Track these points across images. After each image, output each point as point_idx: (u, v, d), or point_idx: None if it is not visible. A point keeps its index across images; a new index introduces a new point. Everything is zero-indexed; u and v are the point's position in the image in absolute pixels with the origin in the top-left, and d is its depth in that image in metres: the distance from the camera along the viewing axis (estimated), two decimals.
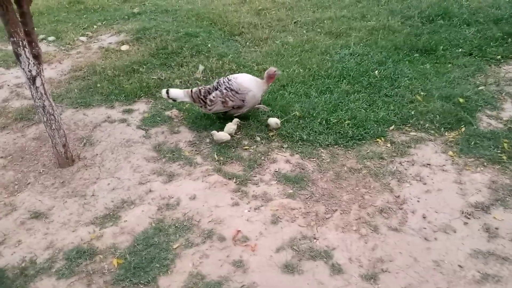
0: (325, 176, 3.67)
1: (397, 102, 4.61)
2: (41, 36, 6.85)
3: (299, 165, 3.80)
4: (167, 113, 4.61)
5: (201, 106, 4.29)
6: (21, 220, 3.32)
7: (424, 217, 3.21)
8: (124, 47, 6.21)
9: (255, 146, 4.08)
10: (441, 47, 5.66)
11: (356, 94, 4.80)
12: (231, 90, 4.14)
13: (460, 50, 5.60)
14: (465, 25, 6.21)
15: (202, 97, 4.21)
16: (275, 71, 4.24)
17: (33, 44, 3.47)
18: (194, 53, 5.90)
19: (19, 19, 3.37)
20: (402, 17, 6.66)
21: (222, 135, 4.06)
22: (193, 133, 4.31)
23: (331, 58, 5.63)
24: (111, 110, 4.73)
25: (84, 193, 3.57)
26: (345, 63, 5.44)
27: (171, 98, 4.23)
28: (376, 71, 5.20)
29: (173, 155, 3.98)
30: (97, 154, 4.04)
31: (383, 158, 3.85)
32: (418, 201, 3.37)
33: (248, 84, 4.17)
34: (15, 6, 3.33)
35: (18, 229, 3.25)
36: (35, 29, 7.24)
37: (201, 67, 5.47)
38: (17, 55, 3.39)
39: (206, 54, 5.88)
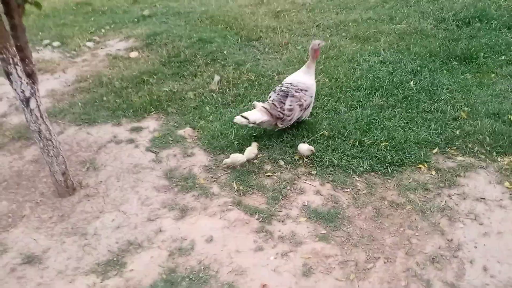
0: (362, 213, 3.15)
1: (439, 119, 4.06)
2: (45, 42, 6.45)
3: (332, 198, 3.30)
4: (180, 132, 4.13)
5: (275, 123, 3.82)
6: (11, 266, 2.87)
7: (485, 270, 2.68)
8: (133, 54, 5.75)
9: (279, 173, 3.58)
10: (482, 54, 5.09)
11: (391, 109, 4.27)
12: (301, 90, 3.86)
13: (503, 57, 5.03)
14: (505, 29, 5.64)
15: (279, 110, 3.76)
16: (319, 43, 3.93)
17: (27, 61, 3.01)
18: (208, 61, 5.42)
19: (10, 32, 2.91)
20: (435, 19, 6.09)
21: (238, 156, 3.58)
22: (208, 156, 3.83)
23: (359, 66, 5.10)
24: (118, 128, 4.26)
25: (85, 231, 3.11)
26: (376, 72, 4.90)
27: (252, 123, 3.71)
28: (412, 82, 4.66)
29: (186, 183, 3.50)
30: (101, 182, 3.58)
31: (429, 190, 3.32)
32: (476, 247, 2.84)
33: (307, 79, 3.97)
34: (4, 17, 2.87)
35: (8, 277, 2.80)
36: (40, 33, 6.86)
37: (216, 78, 4.98)
38: (7, 74, 2.94)
39: (222, 62, 5.39)
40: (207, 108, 4.51)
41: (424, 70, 4.86)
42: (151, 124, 4.30)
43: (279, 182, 3.49)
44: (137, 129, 4.21)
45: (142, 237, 3.01)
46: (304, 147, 3.63)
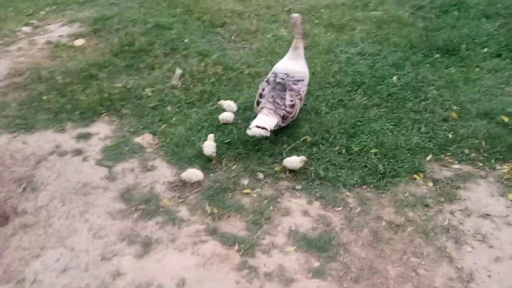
0: (359, 237, 2.72)
1: (428, 120, 3.69)
2: None
3: (322, 219, 2.84)
4: (137, 139, 3.50)
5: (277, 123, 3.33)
6: None
7: None
8: (78, 42, 4.97)
9: (258, 189, 3.08)
10: (464, 45, 4.77)
11: (376, 109, 3.86)
12: (299, 81, 3.41)
13: (485, 49, 4.72)
14: (484, 18, 5.34)
15: (283, 108, 3.30)
16: (297, 16, 3.50)
17: None
18: (168, 51, 4.76)
19: None
20: (412, 6, 5.71)
21: (192, 174, 3.06)
22: (173, 169, 3.25)
23: (336, 58, 4.64)
24: (62, 135, 3.56)
25: (22, 277, 2.48)
26: (355, 66, 4.47)
27: (271, 130, 3.23)
28: (395, 77, 4.26)
29: (148, 206, 2.92)
30: (41, 206, 2.92)
31: (429, 206, 2.94)
32: (489, 276, 2.49)
33: (300, 65, 3.51)
34: None
35: None
36: None
37: (178, 71, 4.34)
38: None
39: (184, 52, 4.75)
40: (169, 108, 3.90)
41: (406, 64, 4.48)
42: (102, 130, 3.63)
43: (260, 201, 2.98)
44: (85, 136, 3.53)
45: (95, 282, 2.42)
46: (295, 160, 3.13)
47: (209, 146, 3.26)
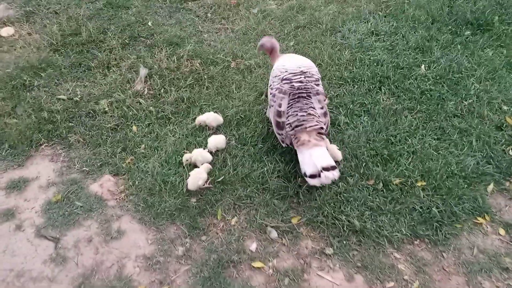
0: None
1: (478, 129, 2.84)
2: None
3: None
4: (94, 186, 2.48)
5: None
6: None
7: None
8: (5, 31, 3.73)
9: (274, 260, 2.17)
10: (496, 17, 3.87)
11: (408, 114, 2.96)
12: (318, 79, 2.57)
13: None
14: None
15: (323, 122, 2.42)
16: (265, 41, 2.80)
17: None
18: (126, 41, 3.62)
19: None
20: None
21: None
22: (148, 233, 2.29)
23: (345, 41, 3.66)
24: None
25: None
26: (371, 51, 3.51)
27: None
28: (422, 66, 3.35)
29: None
30: None
31: (509, 270, 2.14)
32: None
33: (305, 59, 2.69)
34: None
35: None
36: None
37: (142, 71, 3.25)
38: None
39: (148, 41, 3.63)
40: (134, 128, 2.87)
41: (433, 46, 3.56)
42: (43, 171, 2.58)
43: (278, 279, 2.10)
44: (18, 186, 2.48)
45: None
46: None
47: (198, 176, 2.41)
